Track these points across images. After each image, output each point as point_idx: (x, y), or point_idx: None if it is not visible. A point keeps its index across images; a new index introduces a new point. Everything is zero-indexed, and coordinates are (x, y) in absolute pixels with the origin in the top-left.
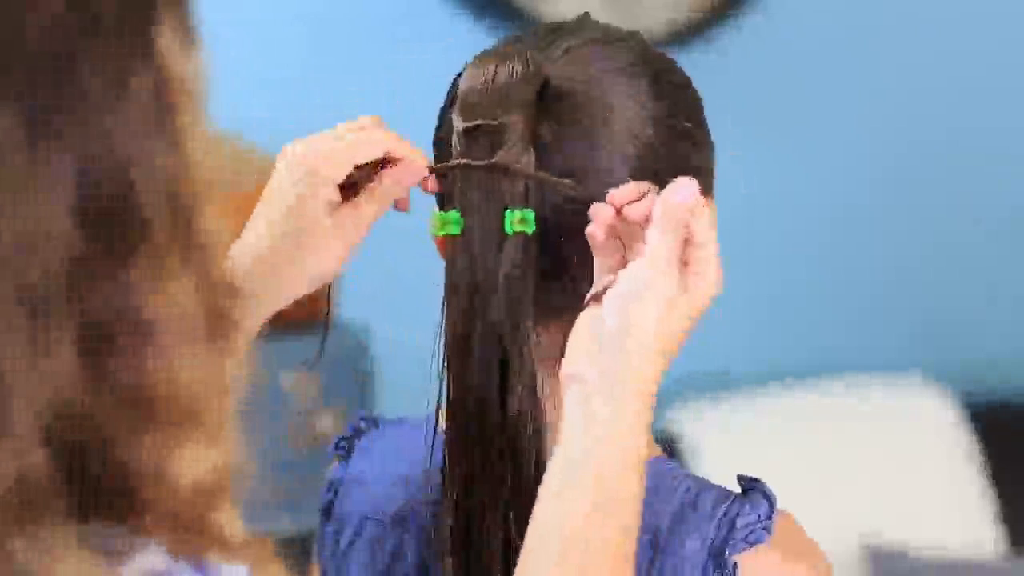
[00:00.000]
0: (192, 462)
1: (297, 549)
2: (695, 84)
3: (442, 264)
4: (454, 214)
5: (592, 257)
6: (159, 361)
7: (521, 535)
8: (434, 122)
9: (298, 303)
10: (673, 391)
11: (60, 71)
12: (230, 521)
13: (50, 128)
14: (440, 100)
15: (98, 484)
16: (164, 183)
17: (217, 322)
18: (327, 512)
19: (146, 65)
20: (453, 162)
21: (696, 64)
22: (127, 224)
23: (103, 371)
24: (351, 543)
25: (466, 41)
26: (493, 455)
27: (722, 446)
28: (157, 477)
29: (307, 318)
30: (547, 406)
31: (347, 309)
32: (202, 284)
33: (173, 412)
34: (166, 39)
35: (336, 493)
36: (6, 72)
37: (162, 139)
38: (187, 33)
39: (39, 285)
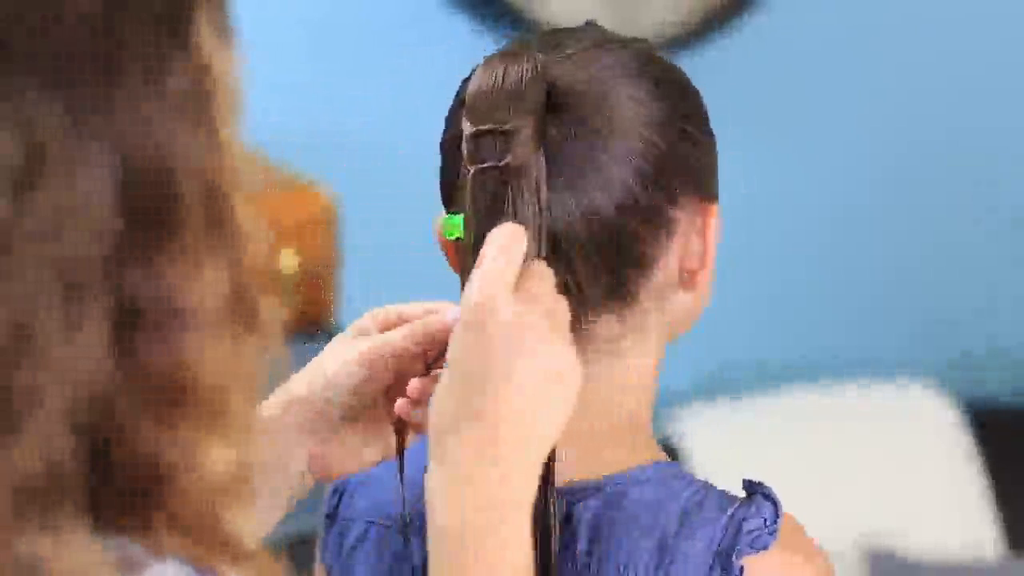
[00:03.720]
0: (214, 456)
1: (301, 551)
2: (696, 85)
3: (444, 268)
4: (463, 217)
5: (599, 262)
6: (189, 349)
7: (532, 537)
8: (438, 125)
9: (301, 308)
10: (674, 392)
11: (102, 59)
12: (246, 527)
13: (92, 115)
14: (443, 103)
15: (119, 475)
16: (201, 173)
17: (248, 314)
18: (332, 515)
19: (184, 56)
20: (467, 168)
21: (697, 65)
22: (164, 211)
23: (133, 356)
24: (356, 546)
25: (468, 44)
26: None
27: (722, 446)
28: (179, 468)
29: (310, 323)
30: None
31: (349, 314)
32: (235, 275)
33: (199, 402)
34: (203, 33)
35: (340, 496)
36: (50, 60)
37: (200, 129)
38: (224, 30)
39: (76, 268)
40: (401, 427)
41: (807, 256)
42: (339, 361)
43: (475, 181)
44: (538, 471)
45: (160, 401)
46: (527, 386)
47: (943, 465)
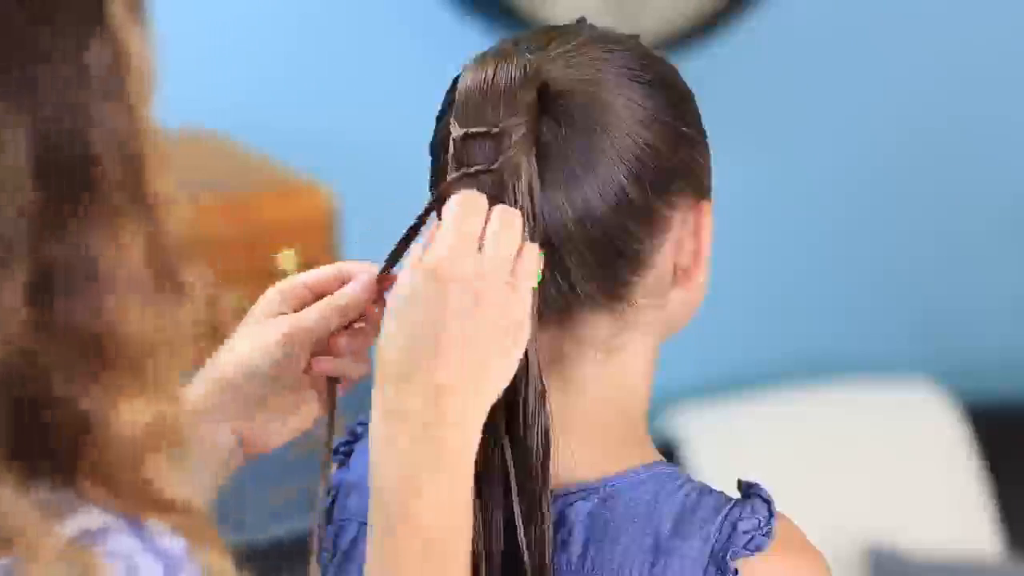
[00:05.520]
0: (132, 413)
1: (296, 553)
2: (695, 85)
3: None
4: None
5: (593, 262)
6: (105, 311)
7: (528, 536)
8: (431, 123)
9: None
10: (673, 392)
11: (22, 34)
12: (171, 483)
13: (10, 88)
14: (436, 103)
15: (42, 429)
16: (117, 143)
17: (165, 278)
18: (326, 515)
19: (101, 33)
20: (456, 173)
21: (696, 65)
22: (81, 180)
23: (51, 316)
24: (350, 547)
25: (468, 44)
26: (497, 456)
27: (721, 447)
28: (96, 424)
29: None
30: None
31: None
32: (151, 241)
33: (116, 361)
34: (119, 13)
35: (335, 498)
36: None
37: (117, 102)
38: (138, 11)
39: None
40: (332, 387)
41: (806, 256)
42: (258, 347)
43: (466, 183)
44: (480, 426)
45: (79, 358)
46: (480, 342)
47: (943, 465)
